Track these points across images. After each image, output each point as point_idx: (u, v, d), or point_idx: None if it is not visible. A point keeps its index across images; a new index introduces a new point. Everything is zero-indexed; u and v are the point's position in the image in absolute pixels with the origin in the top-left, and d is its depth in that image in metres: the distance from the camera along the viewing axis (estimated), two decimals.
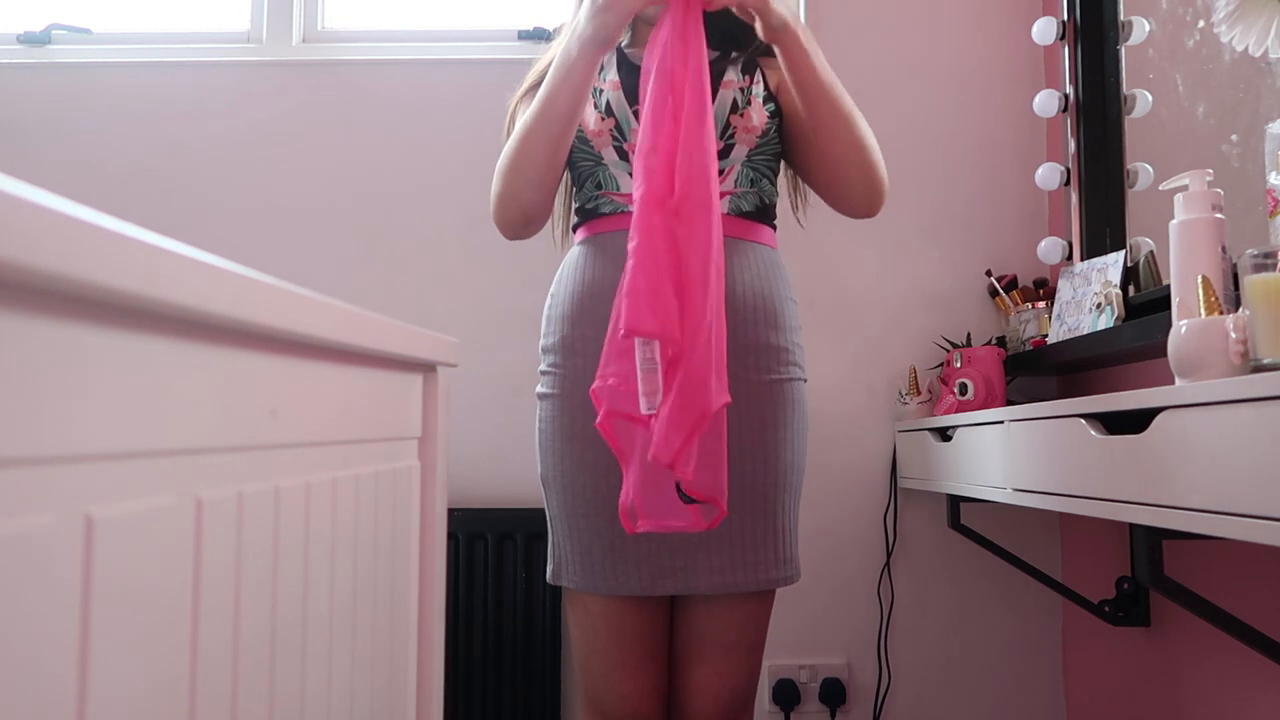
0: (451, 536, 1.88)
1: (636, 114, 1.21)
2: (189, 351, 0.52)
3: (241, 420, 0.59)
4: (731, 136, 1.25)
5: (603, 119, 1.25)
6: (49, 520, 0.40)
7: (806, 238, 1.57)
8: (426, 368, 1.00)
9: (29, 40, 2.12)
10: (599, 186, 1.27)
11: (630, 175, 1.22)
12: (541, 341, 1.30)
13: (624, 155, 1.25)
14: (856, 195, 1.27)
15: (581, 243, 1.30)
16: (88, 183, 2.01)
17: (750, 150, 1.26)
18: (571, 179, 1.33)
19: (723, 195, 1.24)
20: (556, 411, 1.24)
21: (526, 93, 1.33)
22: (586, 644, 1.23)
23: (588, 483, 1.19)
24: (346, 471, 0.77)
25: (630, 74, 1.25)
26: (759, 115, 1.26)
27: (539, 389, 1.29)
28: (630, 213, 1.17)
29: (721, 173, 1.24)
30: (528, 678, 1.91)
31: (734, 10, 1.14)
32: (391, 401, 0.91)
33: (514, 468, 1.96)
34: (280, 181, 2.07)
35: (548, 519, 1.28)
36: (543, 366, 1.29)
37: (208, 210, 2.05)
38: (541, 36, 2.11)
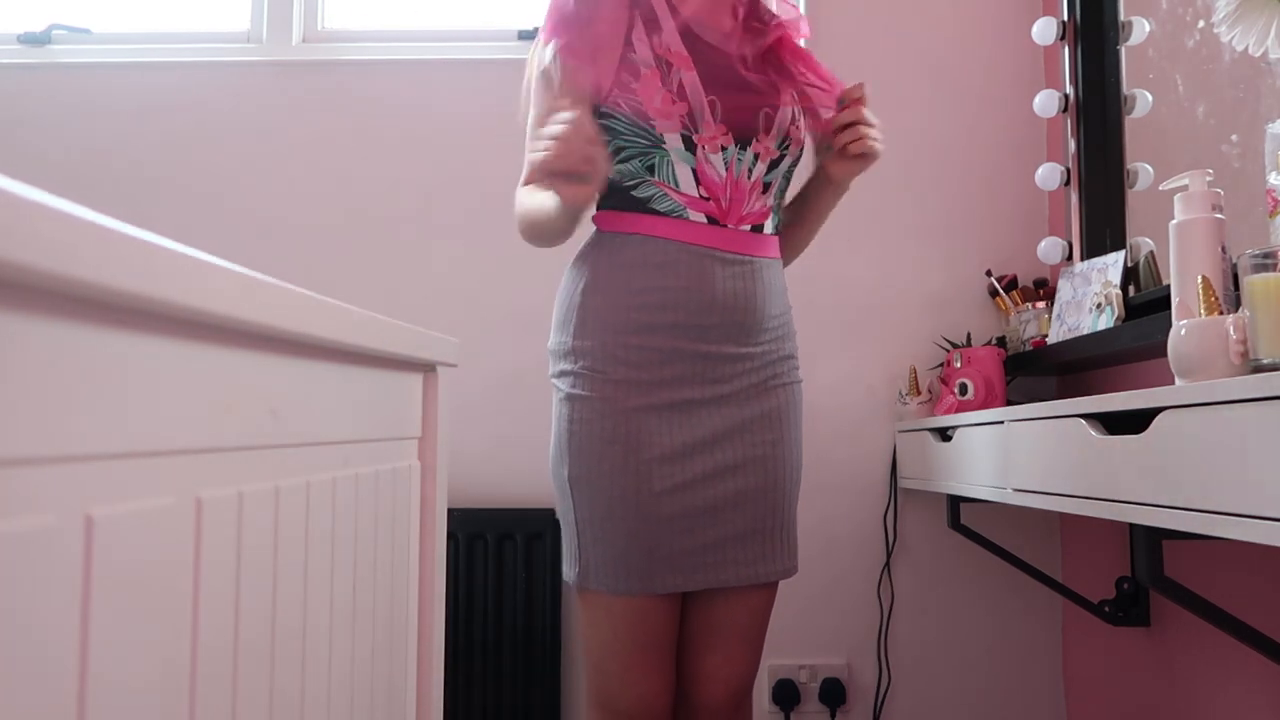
0: (451, 536, 1.87)
1: (712, 105, 1.17)
2: (189, 351, 0.52)
3: (241, 420, 0.59)
4: (786, 146, 1.22)
5: (673, 101, 1.16)
6: (49, 520, 0.40)
7: None
8: (426, 368, 1.00)
9: (29, 40, 2.12)
10: (651, 172, 1.18)
11: (694, 172, 1.18)
12: (570, 340, 1.21)
13: (691, 146, 1.16)
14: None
15: (628, 237, 1.20)
16: (88, 183, 2.01)
17: (792, 163, 1.25)
18: (609, 144, 1.18)
19: (768, 212, 1.23)
20: (594, 414, 1.18)
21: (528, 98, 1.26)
22: (605, 645, 1.22)
23: (629, 486, 1.18)
24: (346, 471, 0.77)
25: (706, 60, 1.19)
26: (803, 126, 1.26)
27: (568, 388, 1.21)
28: (691, 221, 1.18)
29: (769, 186, 1.23)
30: (528, 678, 1.91)
31: (840, 145, 1.21)
32: (391, 401, 0.91)
33: (514, 468, 1.96)
34: (280, 181, 2.07)
35: (571, 521, 1.21)
36: (571, 366, 1.21)
37: (207, 210, 2.05)
38: None
